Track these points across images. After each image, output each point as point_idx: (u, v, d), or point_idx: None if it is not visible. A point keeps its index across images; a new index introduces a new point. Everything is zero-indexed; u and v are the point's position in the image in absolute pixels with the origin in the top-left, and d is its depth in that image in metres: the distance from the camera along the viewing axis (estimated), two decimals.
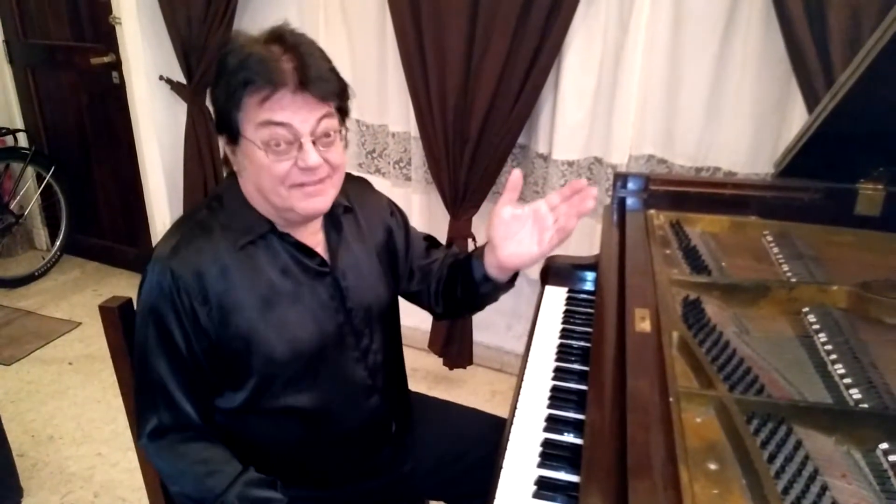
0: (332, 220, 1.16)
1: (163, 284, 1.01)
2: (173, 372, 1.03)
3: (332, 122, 1.02)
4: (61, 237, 3.47)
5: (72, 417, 2.42)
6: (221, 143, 1.05)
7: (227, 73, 0.98)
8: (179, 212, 3.08)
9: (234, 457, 1.06)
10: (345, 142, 1.07)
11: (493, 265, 1.17)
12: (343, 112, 1.06)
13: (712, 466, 0.79)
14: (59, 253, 3.48)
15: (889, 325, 1.10)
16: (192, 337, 1.02)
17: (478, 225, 2.34)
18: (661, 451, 0.75)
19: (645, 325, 1.00)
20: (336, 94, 1.02)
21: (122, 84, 2.97)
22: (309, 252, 1.11)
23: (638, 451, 0.74)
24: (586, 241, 2.25)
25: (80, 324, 3.00)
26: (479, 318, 2.52)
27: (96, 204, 3.44)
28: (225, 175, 1.13)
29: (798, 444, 0.82)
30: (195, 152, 2.84)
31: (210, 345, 1.04)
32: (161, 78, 2.85)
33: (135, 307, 1.13)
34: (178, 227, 1.08)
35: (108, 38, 2.92)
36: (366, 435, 1.19)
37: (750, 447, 0.78)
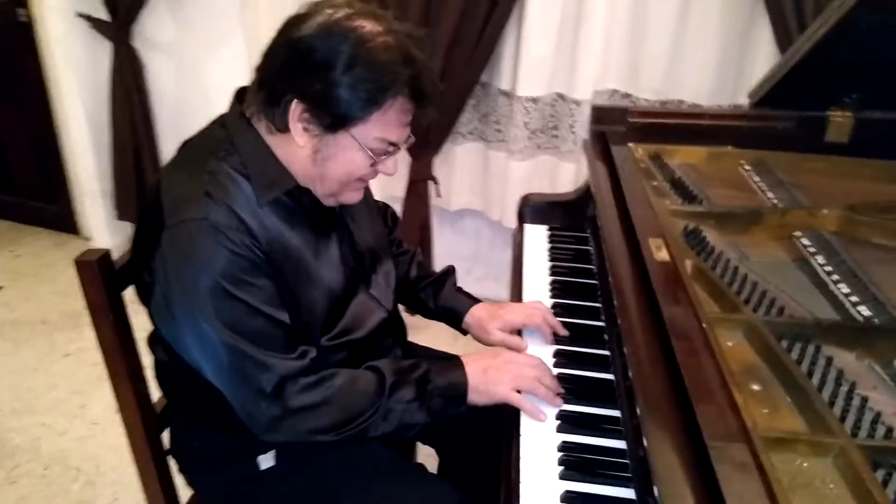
0: None
1: (220, 243, 0.89)
2: (274, 322, 0.93)
3: None
4: None
5: (7, 388, 2.23)
6: (294, 107, 0.91)
7: (372, 66, 0.89)
8: (107, 163, 2.83)
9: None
10: None
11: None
12: None
13: (755, 387, 0.80)
14: None
15: (876, 245, 1.14)
16: (267, 285, 0.93)
17: (438, 166, 2.28)
18: (714, 376, 0.75)
19: (663, 255, 0.99)
20: None
21: (29, 22, 2.68)
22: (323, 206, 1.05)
23: (694, 377, 0.73)
24: (546, 178, 2.24)
25: (0, 287, 2.76)
26: (439, 263, 2.49)
27: (6, 158, 3.13)
28: (228, 112, 1.00)
29: (829, 361, 0.84)
30: (123, 95, 2.61)
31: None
32: (79, 15, 2.58)
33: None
34: (189, 179, 0.93)
35: None
36: None
37: (790, 366, 0.80)
